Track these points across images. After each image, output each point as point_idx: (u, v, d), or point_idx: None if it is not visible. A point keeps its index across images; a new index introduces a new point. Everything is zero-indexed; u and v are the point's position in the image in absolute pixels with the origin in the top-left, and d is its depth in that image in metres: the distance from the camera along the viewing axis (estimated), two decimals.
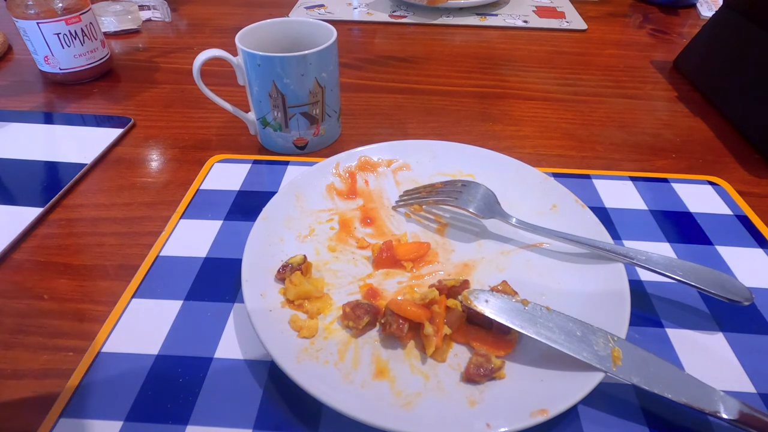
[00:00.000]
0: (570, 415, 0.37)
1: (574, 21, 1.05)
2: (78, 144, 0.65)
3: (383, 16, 1.05)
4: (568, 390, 0.35)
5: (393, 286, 0.45)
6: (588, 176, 0.61)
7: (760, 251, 0.51)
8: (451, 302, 0.40)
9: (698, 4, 1.12)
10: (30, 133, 0.67)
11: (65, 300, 0.45)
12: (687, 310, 0.45)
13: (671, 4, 1.12)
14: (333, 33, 0.62)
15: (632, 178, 0.61)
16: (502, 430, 0.32)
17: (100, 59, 0.80)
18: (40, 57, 0.75)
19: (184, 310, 0.44)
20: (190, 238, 0.51)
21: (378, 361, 0.39)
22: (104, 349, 0.41)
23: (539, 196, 0.53)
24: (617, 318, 0.39)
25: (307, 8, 1.08)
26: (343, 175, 0.56)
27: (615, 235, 0.52)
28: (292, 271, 0.43)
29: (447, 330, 0.39)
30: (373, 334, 0.41)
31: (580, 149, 0.67)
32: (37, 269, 0.48)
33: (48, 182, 0.58)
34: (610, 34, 1.02)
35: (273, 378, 0.39)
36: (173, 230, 0.52)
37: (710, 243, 0.52)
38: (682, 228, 0.54)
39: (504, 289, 0.43)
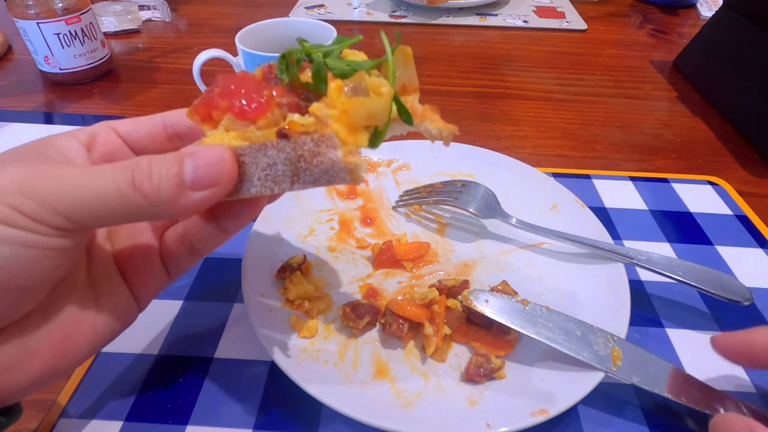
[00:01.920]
0: (570, 415, 0.37)
1: (574, 21, 1.05)
2: None
3: (383, 16, 1.05)
4: (568, 390, 0.35)
5: (393, 286, 0.45)
6: (588, 176, 0.61)
7: (760, 251, 0.51)
8: (451, 302, 0.40)
9: (698, 4, 1.12)
10: (30, 133, 0.67)
11: None
12: (687, 310, 0.45)
13: (671, 4, 1.13)
14: (333, 33, 0.62)
15: (632, 178, 0.61)
16: (502, 430, 0.32)
17: (100, 59, 0.80)
18: (40, 57, 0.75)
19: (184, 310, 0.44)
20: None
21: (378, 361, 0.39)
22: (104, 350, 0.41)
23: (539, 196, 0.53)
24: (617, 318, 0.39)
25: (307, 8, 1.08)
26: None
27: (615, 235, 0.52)
28: (292, 271, 0.43)
29: (447, 330, 0.39)
30: (373, 334, 0.41)
31: (580, 149, 0.67)
32: None
33: None
34: (610, 34, 1.02)
35: (273, 378, 0.39)
36: None
37: (710, 243, 0.52)
38: (682, 228, 0.54)
39: (504, 289, 0.43)
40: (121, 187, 0.24)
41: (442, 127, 0.30)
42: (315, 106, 0.26)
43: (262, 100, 0.27)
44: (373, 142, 0.28)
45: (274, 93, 0.27)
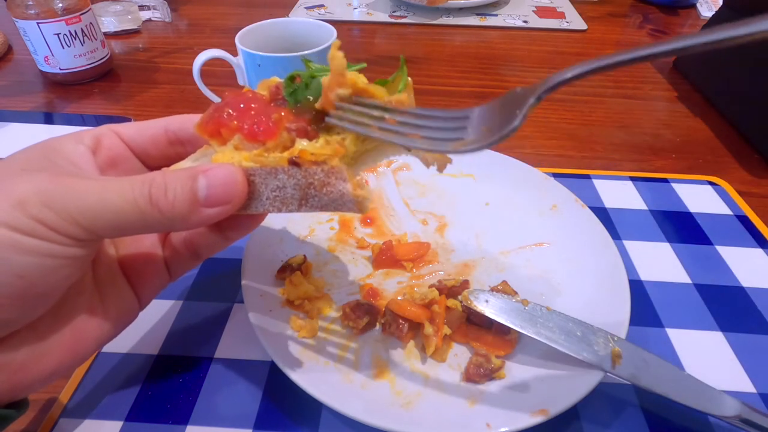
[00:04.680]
0: (570, 415, 0.37)
1: (574, 21, 1.05)
2: None
3: (383, 16, 1.05)
4: (568, 390, 0.35)
5: (393, 286, 0.45)
6: (588, 176, 0.61)
7: (760, 251, 0.51)
8: (451, 302, 0.40)
9: (698, 4, 1.12)
10: (30, 133, 0.67)
11: None
12: (687, 310, 0.45)
13: (671, 4, 1.13)
14: (333, 33, 0.62)
15: (632, 178, 0.61)
16: (502, 430, 0.32)
17: (100, 59, 0.80)
18: (40, 57, 0.75)
19: (184, 310, 0.44)
20: None
21: (378, 361, 0.39)
22: (104, 350, 0.41)
23: (539, 196, 0.52)
24: (617, 318, 0.39)
25: (307, 8, 1.08)
26: None
27: (615, 235, 0.52)
28: (292, 271, 0.43)
29: (447, 330, 0.39)
30: (373, 334, 0.41)
31: (580, 149, 0.67)
32: None
33: None
34: (610, 34, 1.02)
35: (273, 378, 0.39)
36: None
37: (710, 243, 0.52)
38: (682, 228, 0.54)
39: (504, 289, 0.43)
40: (139, 201, 0.25)
41: (437, 156, 0.31)
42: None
43: (271, 124, 0.28)
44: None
45: (283, 114, 0.28)
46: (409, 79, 0.31)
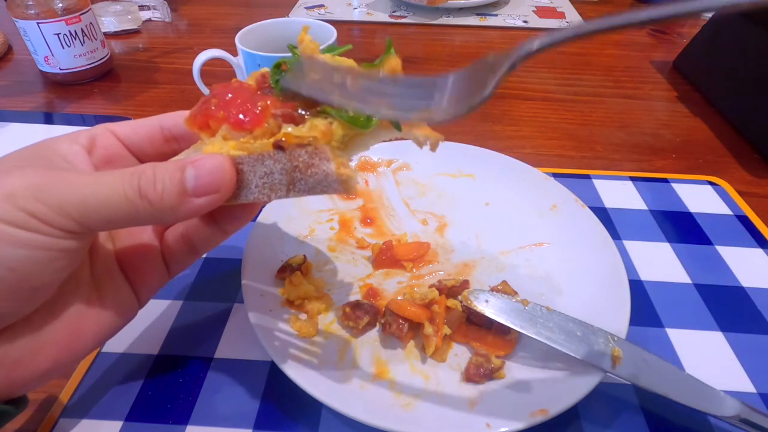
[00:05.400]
0: (570, 415, 0.37)
1: (574, 21, 1.05)
2: None
3: (383, 17, 1.05)
4: (568, 390, 0.35)
5: (393, 286, 0.45)
6: (588, 176, 0.61)
7: (760, 251, 0.51)
8: (451, 302, 0.40)
9: None
10: (30, 133, 0.67)
11: None
12: (687, 310, 0.45)
13: None
14: (333, 33, 0.62)
15: (632, 178, 0.61)
16: (502, 430, 0.32)
17: (100, 59, 0.80)
18: (40, 57, 0.75)
19: (184, 310, 0.44)
20: None
21: (378, 361, 0.39)
22: (104, 349, 0.41)
23: (539, 196, 0.52)
24: (617, 318, 0.39)
25: (307, 8, 1.08)
26: None
27: (615, 235, 0.52)
28: (292, 271, 0.43)
29: (447, 330, 0.39)
30: (373, 334, 0.41)
31: (580, 149, 0.67)
32: None
33: None
34: (610, 35, 1.02)
35: (273, 378, 0.39)
36: None
37: (710, 243, 0.52)
38: (682, 228, 0.54)
39: (504, 289, 0.43)
40: (129, 194, 0.25)
41: (429, 134, 0.31)
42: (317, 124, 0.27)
43: (258, 112, 0.28)
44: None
45: (269, 102, 0.28)
46: (399, 60, 0.30)
